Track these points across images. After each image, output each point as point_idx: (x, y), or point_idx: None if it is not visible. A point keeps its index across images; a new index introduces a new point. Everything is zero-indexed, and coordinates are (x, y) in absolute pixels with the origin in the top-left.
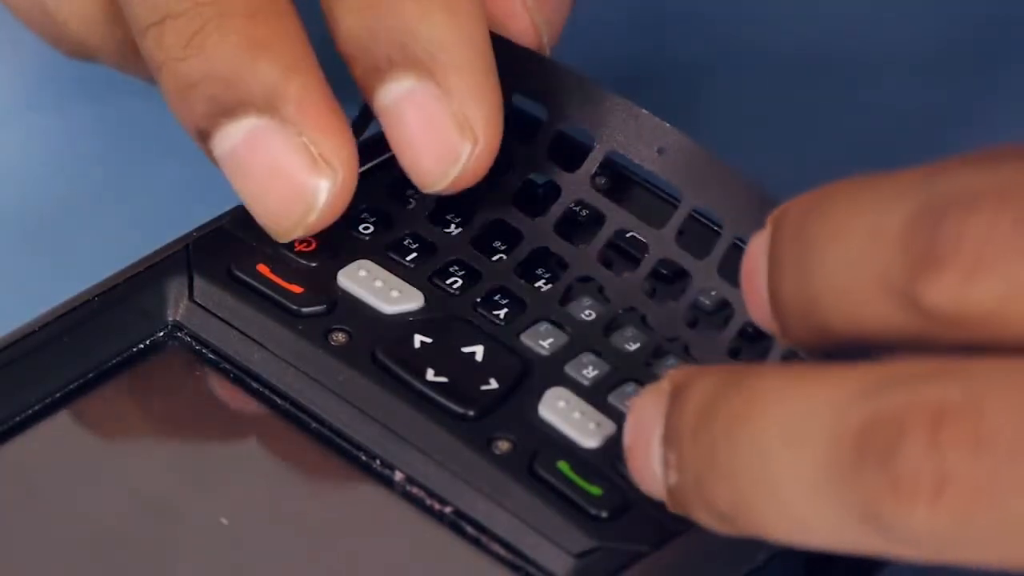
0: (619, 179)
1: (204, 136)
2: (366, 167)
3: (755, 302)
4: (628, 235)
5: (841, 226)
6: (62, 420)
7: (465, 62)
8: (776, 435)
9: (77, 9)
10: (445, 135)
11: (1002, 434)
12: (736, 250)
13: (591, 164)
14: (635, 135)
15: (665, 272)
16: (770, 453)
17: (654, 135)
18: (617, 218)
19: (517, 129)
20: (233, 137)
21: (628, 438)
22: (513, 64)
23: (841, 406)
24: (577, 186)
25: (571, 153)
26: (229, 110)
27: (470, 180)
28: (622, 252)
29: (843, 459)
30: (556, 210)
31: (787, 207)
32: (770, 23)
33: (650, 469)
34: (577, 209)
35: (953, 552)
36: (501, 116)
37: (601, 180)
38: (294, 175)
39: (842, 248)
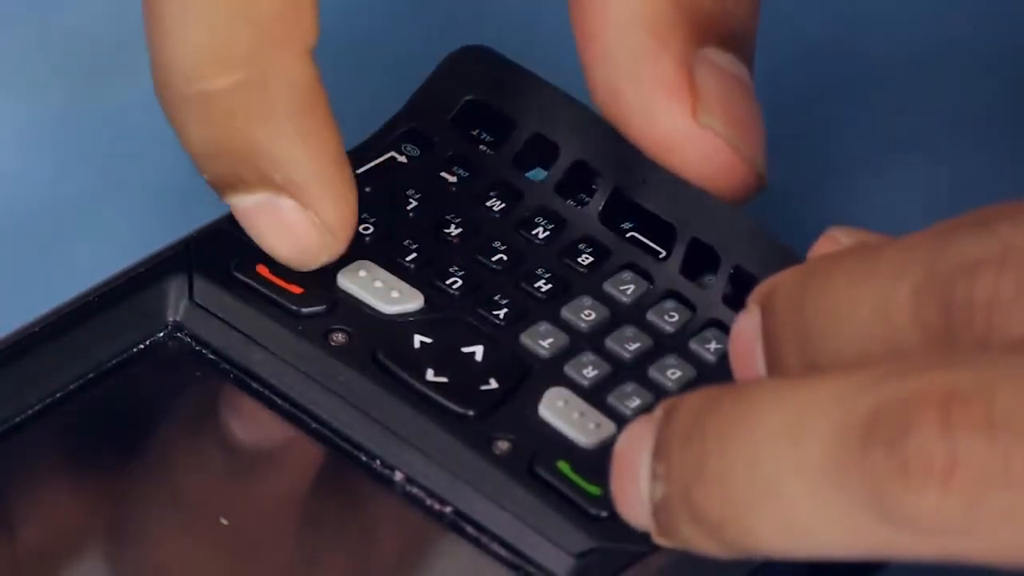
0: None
1: (217, 190)
2: (366, 167)
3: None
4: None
5: (845, 303)
6: (62, 420)
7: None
8: (773, 433)
9: None
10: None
11: (1014, 416)
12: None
13: (599, 201)
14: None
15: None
16: (766, 452)
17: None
18: (624, 252)
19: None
20: (247, 202)
21: (615, 464)
22: None
23: (846, 396)
24: (585, 223)
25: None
26: (248, 184)
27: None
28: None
29: (850, 445)
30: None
31: (772, 288)
32: (771, 21)
33: (635, 492)
34: (579, 209)
35: (961, 541)
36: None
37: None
38: (301, 239)
39: (850, 325)
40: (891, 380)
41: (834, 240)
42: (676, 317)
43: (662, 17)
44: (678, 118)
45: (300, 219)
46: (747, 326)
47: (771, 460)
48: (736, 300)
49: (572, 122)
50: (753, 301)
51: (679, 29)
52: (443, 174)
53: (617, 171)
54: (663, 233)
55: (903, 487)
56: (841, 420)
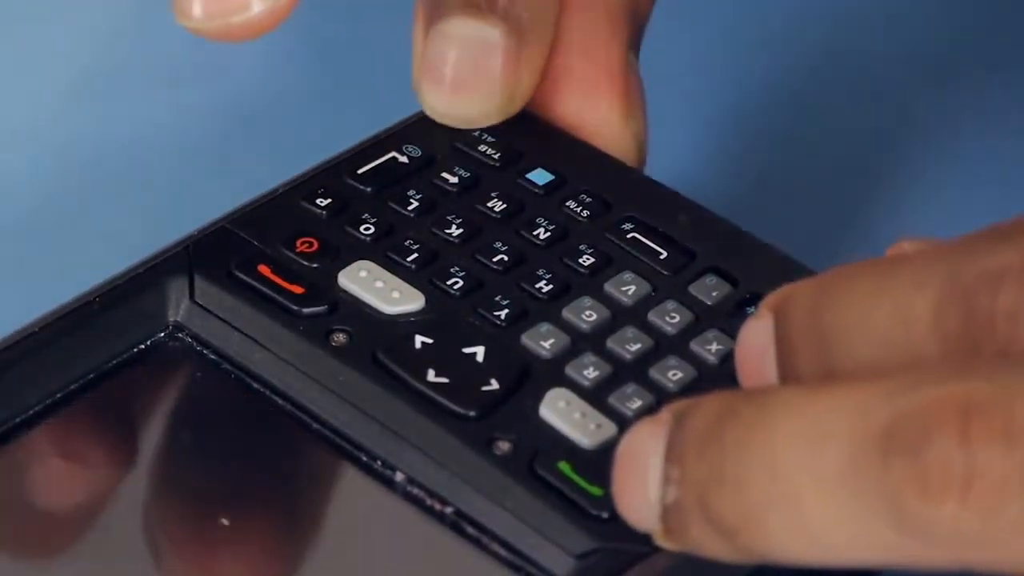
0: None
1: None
2: (366, 168)
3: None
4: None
5: (865, 311)
6: (62, 420)
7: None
8: (792, 440)
9: None
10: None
11: None
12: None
13: (609, 221)
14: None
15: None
16: (784, 458)
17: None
18: (625, 253)
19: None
20: (467, 30)
21: (618, 465)
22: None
23: (867, 405)
24: (587, 224)
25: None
26: (482, 13)
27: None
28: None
29: (869, 454)
30: (558, 217)
31: (788, 295)
32: (771, 21)
33: (640, 493)
34: (579, 210)
35: (976, 552)
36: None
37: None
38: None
39: (869, 333)
40: (910, 390)
41: (903, 252)
42: (677, 318)
43: (617, 8)
44: (612, 114)
45: (497, 63)
46: (759, 331)
47: (789, 467)
48: (737, 303)
49: (584, 161)
50: (766, 307)
51: (627, 24)
52: (444, 174)
53: (632, 204)
54: (663, 234)
55: (921, 497)
56: (860, 429)
